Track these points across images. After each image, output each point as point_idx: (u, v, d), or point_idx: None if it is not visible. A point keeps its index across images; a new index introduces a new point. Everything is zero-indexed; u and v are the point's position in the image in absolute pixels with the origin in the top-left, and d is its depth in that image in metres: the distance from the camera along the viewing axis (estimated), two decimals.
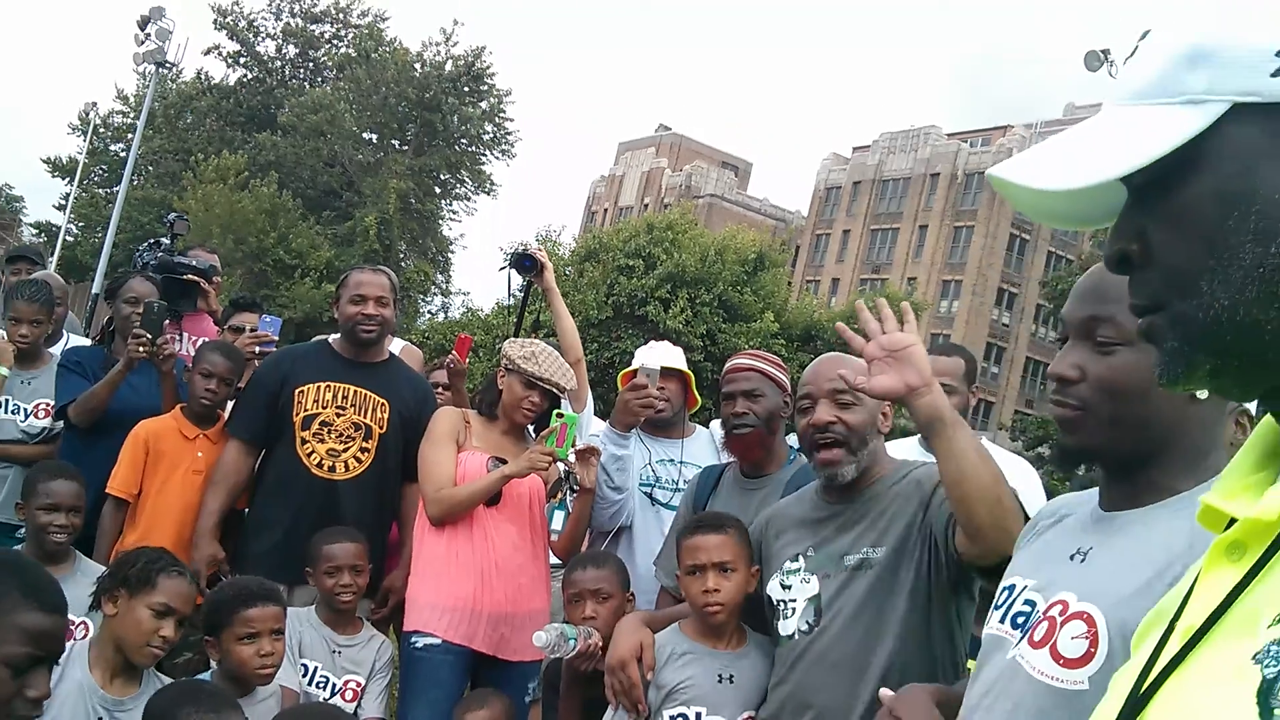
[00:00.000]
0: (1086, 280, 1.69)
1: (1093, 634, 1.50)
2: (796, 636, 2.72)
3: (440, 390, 5.03)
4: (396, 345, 5.23)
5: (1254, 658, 0.72)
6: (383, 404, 4.27)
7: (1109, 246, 0.93)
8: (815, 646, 2.67)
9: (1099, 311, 1.62)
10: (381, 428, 4.25)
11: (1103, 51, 22.05)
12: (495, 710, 3.45)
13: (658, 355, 4.18)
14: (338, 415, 4.22)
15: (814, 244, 64.88)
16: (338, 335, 4.50)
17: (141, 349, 4.35)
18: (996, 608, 1.68)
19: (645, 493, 4.12)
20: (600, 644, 3.28)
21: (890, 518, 2.68)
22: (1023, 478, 3.77)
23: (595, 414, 5.17)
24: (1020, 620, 1.61)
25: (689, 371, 4.32)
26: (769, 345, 29.41)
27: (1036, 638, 1.55)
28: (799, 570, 2.78)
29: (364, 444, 4.23)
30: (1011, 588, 1.68)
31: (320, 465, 4.18)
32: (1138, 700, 0.83)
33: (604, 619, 3.43)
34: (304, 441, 4.18)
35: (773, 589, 2.85)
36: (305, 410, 4.21)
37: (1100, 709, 0.91)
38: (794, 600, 2.76)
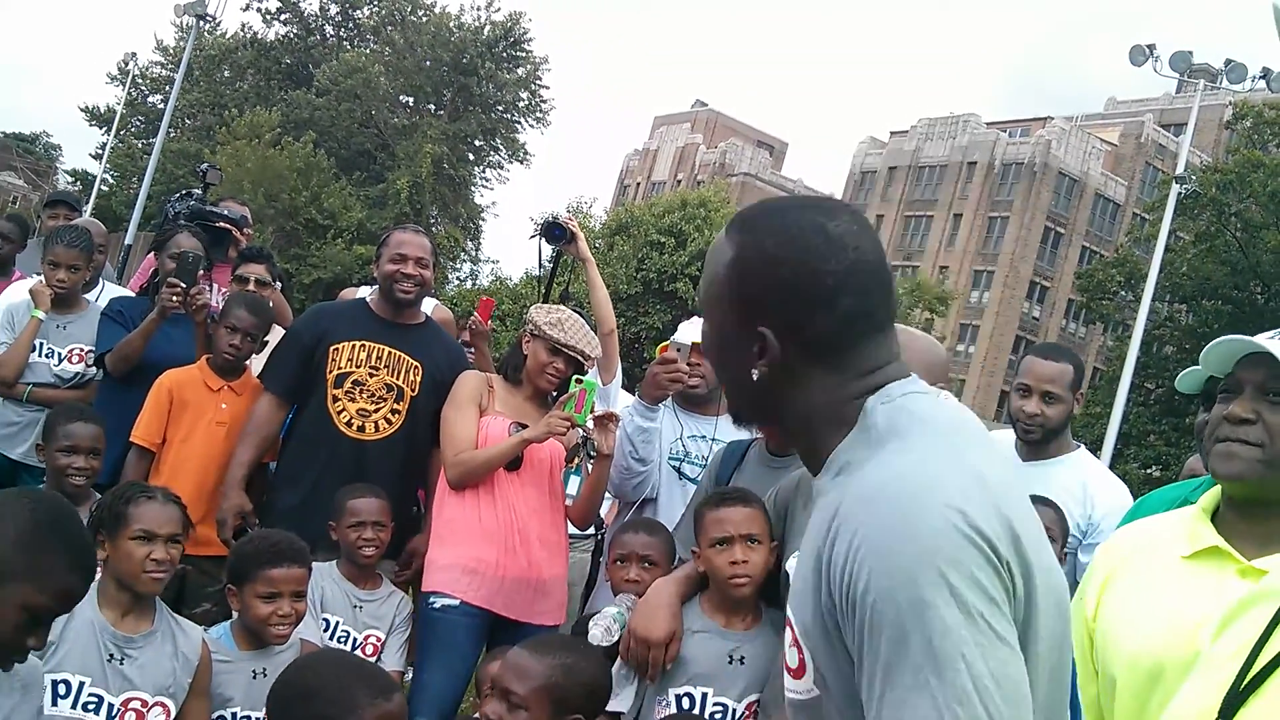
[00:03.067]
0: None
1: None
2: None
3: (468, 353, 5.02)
4: (428, 305, 5.22)
5: None
6: (416, 366, 4.25)
7: None
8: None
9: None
10: (413, 390, 4.22)
11: (1148, 46, 21.89)
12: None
13: (694, 331, 4.13)
14: (370, 375, 4.20)
15: None
16: (374, 294, 4.48)
17: (175, 299, 4.37)
18: None
19: (674, 466, 4.08)
20: None
21: None
22: (1111, 491, 3.72)
23: (622, 388, 5.16)
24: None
25: None
26: None
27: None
28: None
29: (395, 405, 4.21)
30: None
31: (350, 424, 4.16)
32: (1242, 687, 0.82)
33: (646, 586, 3.37)
34: (335, 399, 4.16)
35: (790, 566, 2.71)
36: (339, 368, 4.18)
37: (1196, 685, 0.89)
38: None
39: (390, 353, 4.24)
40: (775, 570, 2.91)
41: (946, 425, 1.40)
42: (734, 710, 2.91)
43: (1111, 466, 16.99)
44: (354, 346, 4.22)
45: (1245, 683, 0.83)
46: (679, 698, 2.93)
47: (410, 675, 4.10)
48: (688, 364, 3.84)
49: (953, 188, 59.52)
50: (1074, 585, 2.34)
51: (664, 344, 4.08)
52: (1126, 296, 33.74)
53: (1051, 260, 58.00)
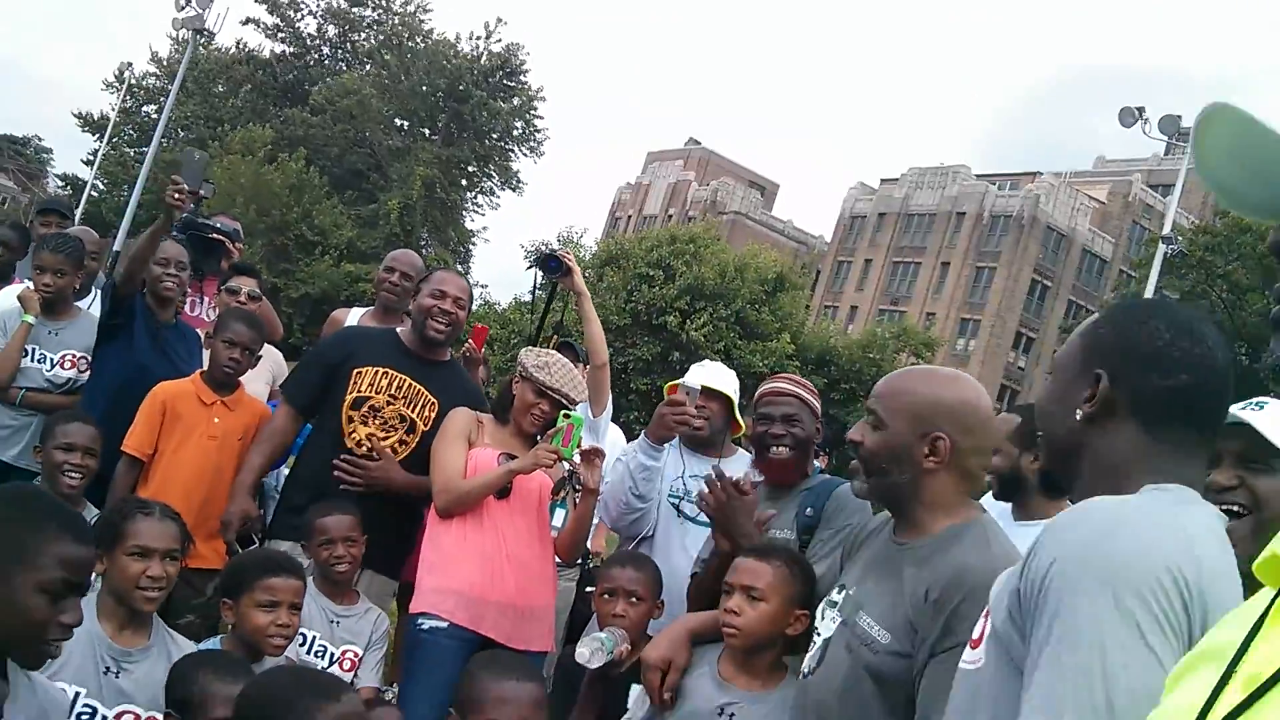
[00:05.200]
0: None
1: None
2: (802, 676, 2.53)
3: None
4: None
5: None
6: (433, 403, 4.30)
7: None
8: (808, 695, 2.45)
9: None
10: (426, 425, 4.27)
11: (1138, 109, 22.12)
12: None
13: (704, 375, 4.19)
14: (388, 404, 4.26)
15: (835, 270, 64.83)
16: (406, 328, 4.54)
17: (177, 195, 4.53)
18: None
19: (673, 504, 4.11)
20: (628, 651, 3.28)
21: (911, 599, 2.29)
22: None
23: (612, 419, 5.18)
24: None
25: (732, 396, 4.28)
26: (784, 366, 29.43)
27: None
28: (836, 604, 2.51)
29: (405, 436, 4.27)
30: None
31: (360, 445, 4.22)
32: None
33: (632, 620, 3.43)
34: (349, 420, 4.22)
35: (818, 610, 2.62)
36: (358, 391, 4.25)
37: None
38: (817, 635, 2.55)
39: (411, 385, 4.31)
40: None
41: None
42: None
43: None
44: (377, 373, 4.29)
45: None
46: None
47: (389, 695, 4.11)
48: (695, 407, 3.88)
49: (941, 236, 59.97)
50: None
51: (672, 384, 4.13)
52: None
53: (1038, 312, 58.39)
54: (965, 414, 2.41)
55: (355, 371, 4.27)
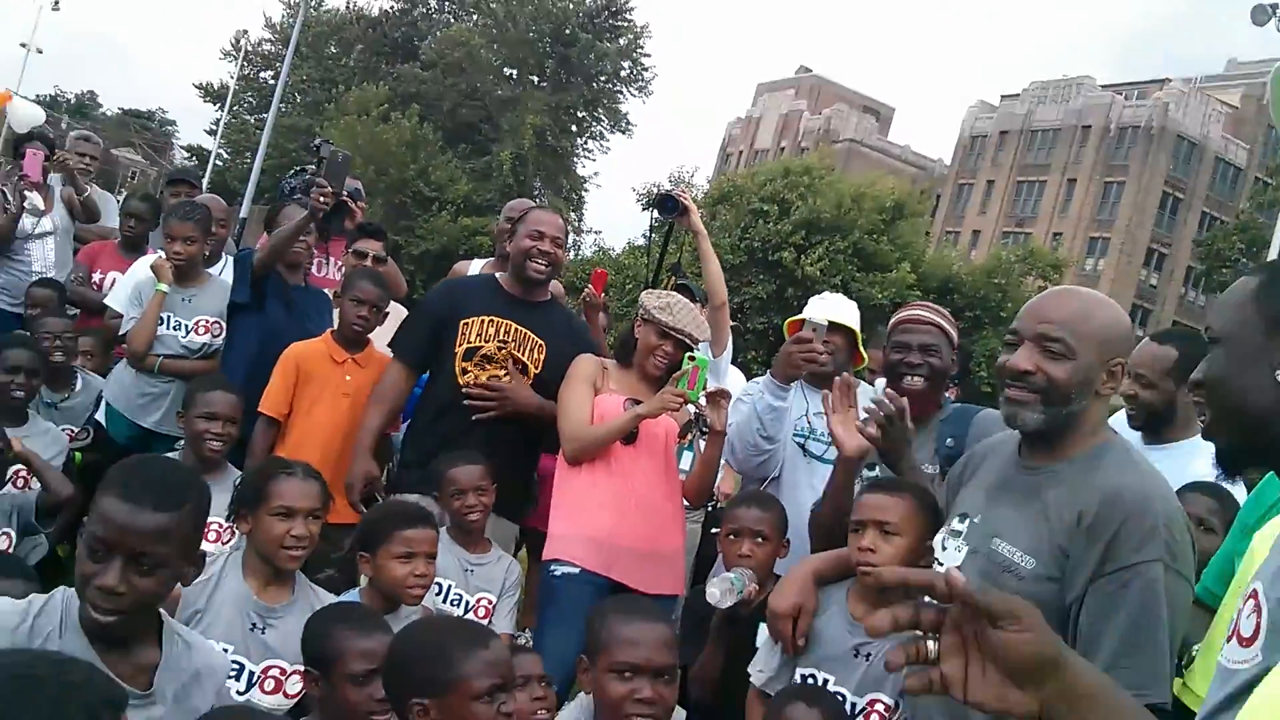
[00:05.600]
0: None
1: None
2: None
3: None
4: None
5: None
6: (540, 345, 4.33)
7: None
8: None
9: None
10: (537, 368, 4.31)
11: (1271, 5, 20.90)
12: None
13: (827, 308, 4.09)
14: (499, 349, 4.29)
15: (956, 194, 63.17)
16: (486, 264, 4.56)
17: (323, 199, 4.63)
18: None
19: (799, 443, 4.07)
20: (756, 591, 3.27)
21: (1059, 523, 2.25)
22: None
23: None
24: None
25: (855, 328, 4.20)
26: (905, 296, 28.87)
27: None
28: (961, 534, 2.46)
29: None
30: None
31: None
32: None
33: (759, 560, 3.42)
34: (464, 371, 4.26)
35: (936, 541, 2.60)
36: (469, 342, 4.28)
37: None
38: (938, 564, 2.50)
39: (517, 329, 4.33)
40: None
41: None
42: (853, 704, 2.84)
43: None
44: (484, 321, 4.31)
45: None
46: (804, 677, 2.92)
47: (522, 639, 4.19)
48: (820, 343, 3.75)
49: (1066, 152, 57.86)
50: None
51: (792, 320, 4.05)
52: (1248, 264, 32.52)
53: (1170, 226, 56.07)
54: (1131, 339, 2.48)
55: (463, 323, 4.29)
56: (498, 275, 4.58)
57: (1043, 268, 37.44)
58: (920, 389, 3.44)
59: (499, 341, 4.29)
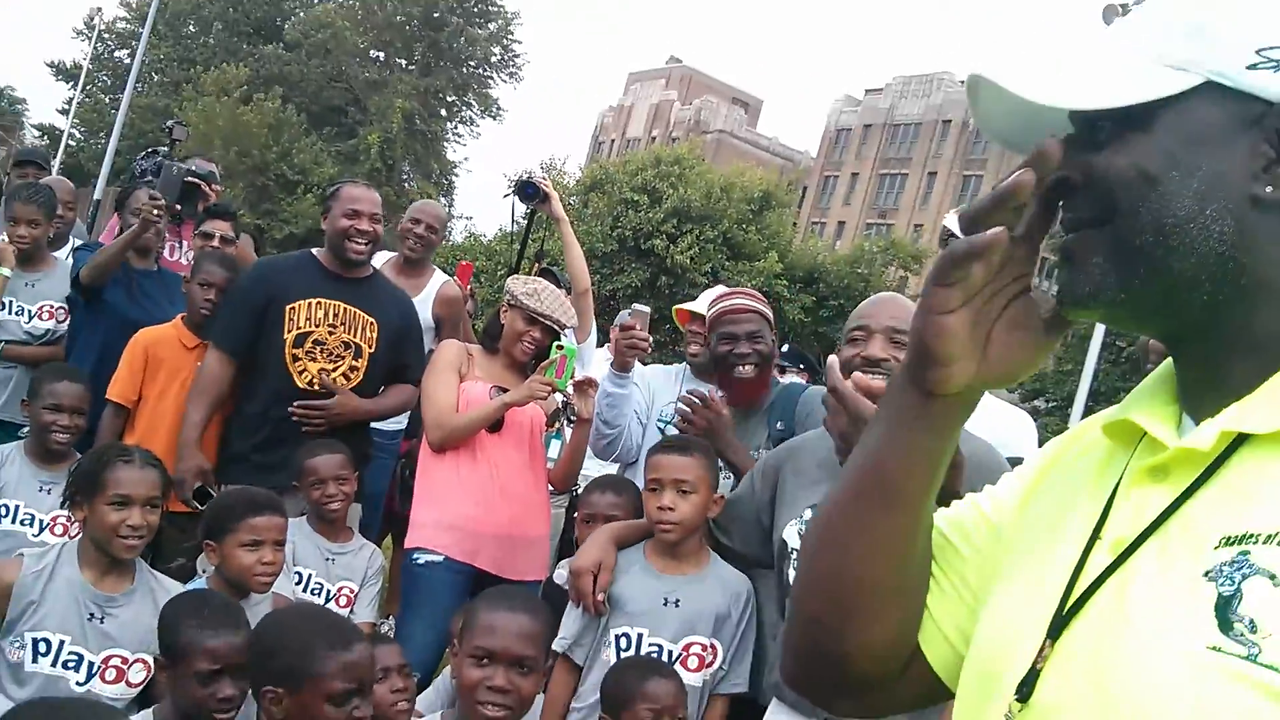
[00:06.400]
0: None
1: None
2: None
3: None
4: (437, 280, 5.22)
5: (1205, 575, 0.80)
6: (372, 323, 4.27)
7: (1047, 167, 1.00)
8: None
9: None
10: (371, 347, 4.25)
11: (1121, 6, 21.79)
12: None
13: (702, 300, 4.21)
14: (330, 334, 4.20)
15: (821, 185, 64.44)
16: (322, 249, 4.42)
17: (155, 211, 4.46)
18: None
19: (660, 429, 4.10)
20: None
21: None
22: (1019, 426, 3.73)
23: (597, 346, 5.17)
24: None
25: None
26: (772, 285, 29.36)
27: None
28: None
29: (354, 362, 4.23)
30: None
31: (311, 384, 4.16)
32: (1072, 604, 0.89)
33: None
34: (295, 359, 4.15)
35: (789, 535, 2.69)
36: (298, 328, 4.17)
37: (1020, 611, 0.94)
38: (793, 553, 2.59)
39: (346, 309, 4.25)
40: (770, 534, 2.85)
41: None
42: (670, 651, 2.98)
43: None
44: (310, 305, 4.21)
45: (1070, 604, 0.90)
46: (618, 638, 3.01)
47: (385, 627, 4.15)
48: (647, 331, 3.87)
49: (927, 145, 59.52)
50: None
51: (680, 307, 4.12)
52: None
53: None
54: None
55: (289, 308, 4.17)
56: (314, 251, 4.43)
57: (904, 258, 38.47)
58: (752, 376, 3.54)
59: (329, 326, 4.21)
